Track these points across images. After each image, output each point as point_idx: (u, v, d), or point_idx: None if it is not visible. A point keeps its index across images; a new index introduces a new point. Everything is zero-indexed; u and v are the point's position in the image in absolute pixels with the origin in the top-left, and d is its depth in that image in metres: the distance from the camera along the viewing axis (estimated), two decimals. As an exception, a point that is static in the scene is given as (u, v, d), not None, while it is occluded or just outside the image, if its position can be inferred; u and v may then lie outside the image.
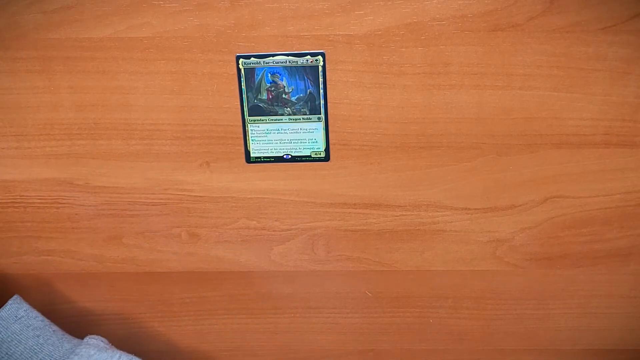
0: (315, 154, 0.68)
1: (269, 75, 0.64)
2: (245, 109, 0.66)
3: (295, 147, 0.67)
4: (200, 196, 0.68)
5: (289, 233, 0.71)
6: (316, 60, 0.63)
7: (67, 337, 0.64)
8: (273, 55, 0.63)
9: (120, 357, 0.65)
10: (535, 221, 0.69)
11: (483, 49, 0.63)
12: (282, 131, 0.67)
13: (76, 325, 0.75)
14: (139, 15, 0.62)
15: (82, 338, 0.70)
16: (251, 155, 0.68)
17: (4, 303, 0.74)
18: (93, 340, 0.65)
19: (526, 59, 0.63)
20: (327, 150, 0.67)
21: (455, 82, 0.64)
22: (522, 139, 0.66)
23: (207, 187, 0.69)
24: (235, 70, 0.64)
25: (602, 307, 0.73)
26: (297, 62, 0.64)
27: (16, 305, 0.64)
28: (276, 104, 0.66)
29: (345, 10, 0.62)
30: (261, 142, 0.67)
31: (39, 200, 0.70)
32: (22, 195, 0.69)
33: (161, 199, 0.69)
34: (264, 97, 0.65)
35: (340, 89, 0.65)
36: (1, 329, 0.63)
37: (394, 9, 0.61)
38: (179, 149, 0.67)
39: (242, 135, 0.67)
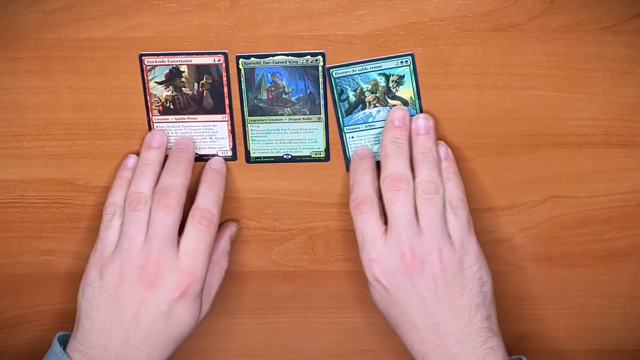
0: (315, 154, 0.68)
1: (269, 75, 0.64)
2: (245, 109, 0.66)
3: (295, 147, 0.67)
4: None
5: (289, 233, 0.71)
6: (316, 60, 0.63)
7: None
8: (273, 55, 0.63)
9: None
10: (535, 221, 0.69)
11: (483, 49, 0.63)
12: (282, 131, 0.67)
13: (76, 325, 0.75)
14: (139, 15, 0.62)
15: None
16: (251, 155, 0.68)
17: (4, 304, 0.74)
18: None
19: (526, 59, 0.63)
20: (327, 150, 0.67)
21: (455, 82, 0.64)
22: (522, 139, 0.66)
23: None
24: (235, 70, 0.64)
25: (602, 307, 0.73)
26: (297, 62, 0.64)
27: None
28: (276, 104, 0.66)
29: (345, 10, 0.62)
30: (261, 142, 0.67)
31: (39, 200, 0.69)
32: (22, 195, 0.69)
33: (161, 199, 0.69)
34: (264, 97, 0.65)
35: (340, 89, 0.65)
36: None
37: (394, 9, 0.61)
38: (179, 149, 0.67)
39: (242, 135, 0.67)
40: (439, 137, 0.66)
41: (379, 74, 0.63)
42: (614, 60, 0.63)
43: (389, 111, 0.65)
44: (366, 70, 0.63)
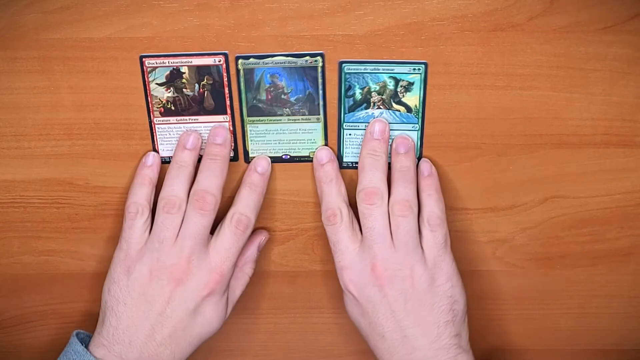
0: (314, 154, 0.68)
1: (268, 76, 0.64)
2: (244, 109, 0.66)
3: (294, 148, 0.67)
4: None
5: (289, 233, 0.71)
6: (315, 61, 0.63)
7: None
8: (272, 56, 0.63)
9: None
10: (535, 221, 0.69)
11: (483, 49, 0.63)
12: (281, 131, 0.67)
13: (76, 325, 0.75)
14: (139, 15, 0.62)
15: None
16: (250, 156, 0.68)
17: (4, 304, 0.74)
18: None
19: (526, 59, 0.63)
20: (326, 150, 0.68)
21: (455, 82, 0.64)
22: (522, 139, 0.66)
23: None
24: (235, 71, 0.64)
25: (602, 307, 0.73)
26: (296, 62, 0.64)
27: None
28: (275, 104, 0.66)
29: (345, 10, 0.62)
30: (260, 143, 0.67)
31: (39, 200, 0.70)
32: (22, 195, 0.69)
33: (161, 199, 0.69)
34: (262, 98, 0.65)
35: (340, 89, 0.65)
36: None
37: (394, 9, 0.61)
38: (179, 149, 0.67)
39: (241, 136, 0.67)
40: (439, 137, 0.66)
41: (390, 76, 0.63)
42: (614, 60, 0.63)
43: (391, 114, 0.65)
44: (377, 71, 0.63)
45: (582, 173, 0.67)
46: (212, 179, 0.65)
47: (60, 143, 0.67)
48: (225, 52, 0.63)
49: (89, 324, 0.75)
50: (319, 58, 0.63)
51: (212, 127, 0.66)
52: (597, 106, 0.64)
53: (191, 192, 0.65)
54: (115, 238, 0.71)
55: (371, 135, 0.65)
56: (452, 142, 0.66)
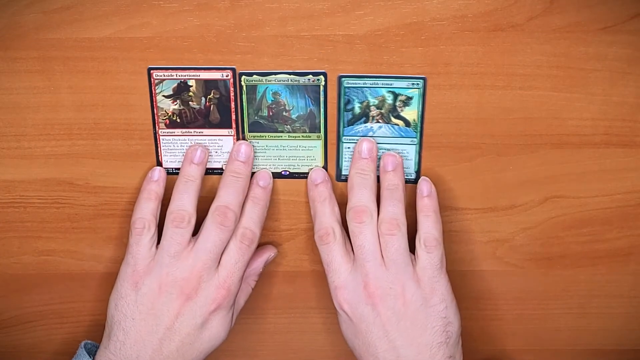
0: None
1: (271, 92, 0.64)
2: (246, 125, 0.66)
3: (293, 164, 0.68)
4: (201, 196, 0.68)
5: (289, 233, 0.71)
6: (317, 79, 0.64)
7: None
8: (275, 74, 0.64)
9: None
10: (535, 221, 0.69)
11: (483, 49, 0.63)
12: (281, 148, 0.67)
13: (76, 325, 0.75)
14: (139, 15, 0.62)
15: (81, 339, 0.70)
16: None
17: (4, 304, 0.74)
18: None
19: (526, 59, 0.63)
20: (325, 167, 0.68)
21: (455, 82, 0.64)
22: (522, 139, 0.66)
23: (208, 187, 0.69)
24: (238, 86, 0.64)
25: (602, 307, 0.73)
26: (298, 81, 0.64)
27: None
28: (276, 121, 0.66)
29: (345, 10, 0.62)
30: (260, 158, 0.67)
31: (39, 200, 0.70)
32: (22, 195, 0.69)
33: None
34: (264, 114, 0.65)
35: (340, 89, 0.65)
36: None
37: (394, 9, 0.61)
38: (179, 149, 0.67)
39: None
40: (440, 137, 0.66)
41: (389, 91, 0.63)
42: (614, 60, 0.63)
43: (390, 127, 0.65)
44: (376, 86, 0.63)
45: (582, 173, 0.67)
46: (234, 196, 0.65)
47: (60, 143, 0.67)
48: (233, 67, 0.63)
49: (89, 323, 0.75)
50: (321, 77, 0.63)
51: (217, 140, 0.66)
52: (597, 106, 0.64)
53: (212, 206, 0.65)
54: (115, 238, 0.71)
55: (359, 154, 0.65)
56: (452, 142, 0.66)
